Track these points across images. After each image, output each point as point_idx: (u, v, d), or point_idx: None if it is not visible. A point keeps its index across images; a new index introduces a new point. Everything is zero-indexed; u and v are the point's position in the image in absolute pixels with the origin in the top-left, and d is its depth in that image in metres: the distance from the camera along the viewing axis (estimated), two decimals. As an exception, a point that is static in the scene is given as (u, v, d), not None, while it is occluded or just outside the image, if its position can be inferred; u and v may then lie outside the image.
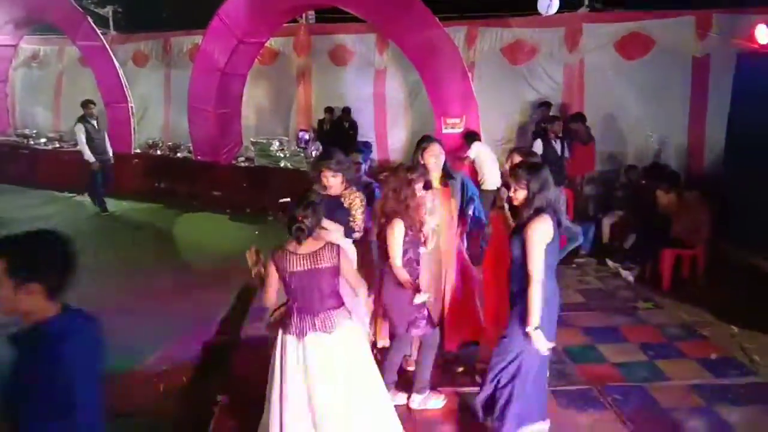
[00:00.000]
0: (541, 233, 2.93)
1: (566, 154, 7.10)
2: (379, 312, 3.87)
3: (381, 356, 3.73)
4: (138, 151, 10.31)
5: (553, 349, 3.20)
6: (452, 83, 7.60)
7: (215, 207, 9.05)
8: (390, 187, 3.43)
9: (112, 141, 9.28)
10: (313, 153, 8.66)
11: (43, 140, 11.24)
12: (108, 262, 6.76)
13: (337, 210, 3.59)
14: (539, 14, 7.95)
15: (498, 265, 3.65)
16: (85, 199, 9.48)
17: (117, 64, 10.13)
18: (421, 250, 3.64)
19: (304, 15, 9.96)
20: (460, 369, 4.20)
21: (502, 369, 3.12)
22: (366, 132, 9.45)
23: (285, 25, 9.50)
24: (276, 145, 9.18)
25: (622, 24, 7.76)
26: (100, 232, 8.29)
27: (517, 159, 3.72)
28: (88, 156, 8.78)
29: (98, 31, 10.11)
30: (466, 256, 4.27)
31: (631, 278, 6.06)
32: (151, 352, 4.57)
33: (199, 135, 9.42)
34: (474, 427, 3.43)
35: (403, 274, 3.43)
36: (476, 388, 3.42)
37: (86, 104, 8.96)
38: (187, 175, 9.76)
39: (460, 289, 4.10)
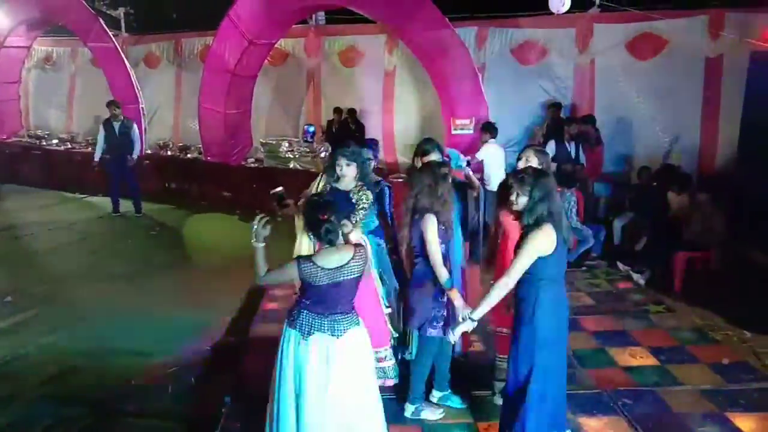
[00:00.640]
0: (538, 244, 2.83)
1: (581, 158, 7.05)
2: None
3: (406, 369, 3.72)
4: (148, 151, 10.38)
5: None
6: (462, 84, 7.57)
7: (225, 208, 9.06)
8: (424, 183, 3.39)
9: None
10: (323, 153, 8.68)
11: (55, 141, 11.34)
12: (117, 263, 6.82)
13: (342, 204, 3.54)
14: (550, 14, 7.89)
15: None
16: (97, 199, 9.55)
17: (128, 66, 10.21)
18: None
19: (314, 16, 9.99)
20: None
21: (518, 387, 3.01)
22: (374, 133, 9.40)
23: (295, 26, 9.51)
24: (285, 146, 9.20)
25: (634, 24, 7.67)
26: (110, 233, 8.35)
27: (533, 159, 3.58)
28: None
29: (110, 33, 10.20)
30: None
31: (642, 281, 6.00)
32: (161, 353, 4.60)
33: (209, 136, 9.45)
34: None
35: (444, 272, 3.35)
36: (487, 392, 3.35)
37: (108, 105, 8.85)
38: (197, 176, 9.81)
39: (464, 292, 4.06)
